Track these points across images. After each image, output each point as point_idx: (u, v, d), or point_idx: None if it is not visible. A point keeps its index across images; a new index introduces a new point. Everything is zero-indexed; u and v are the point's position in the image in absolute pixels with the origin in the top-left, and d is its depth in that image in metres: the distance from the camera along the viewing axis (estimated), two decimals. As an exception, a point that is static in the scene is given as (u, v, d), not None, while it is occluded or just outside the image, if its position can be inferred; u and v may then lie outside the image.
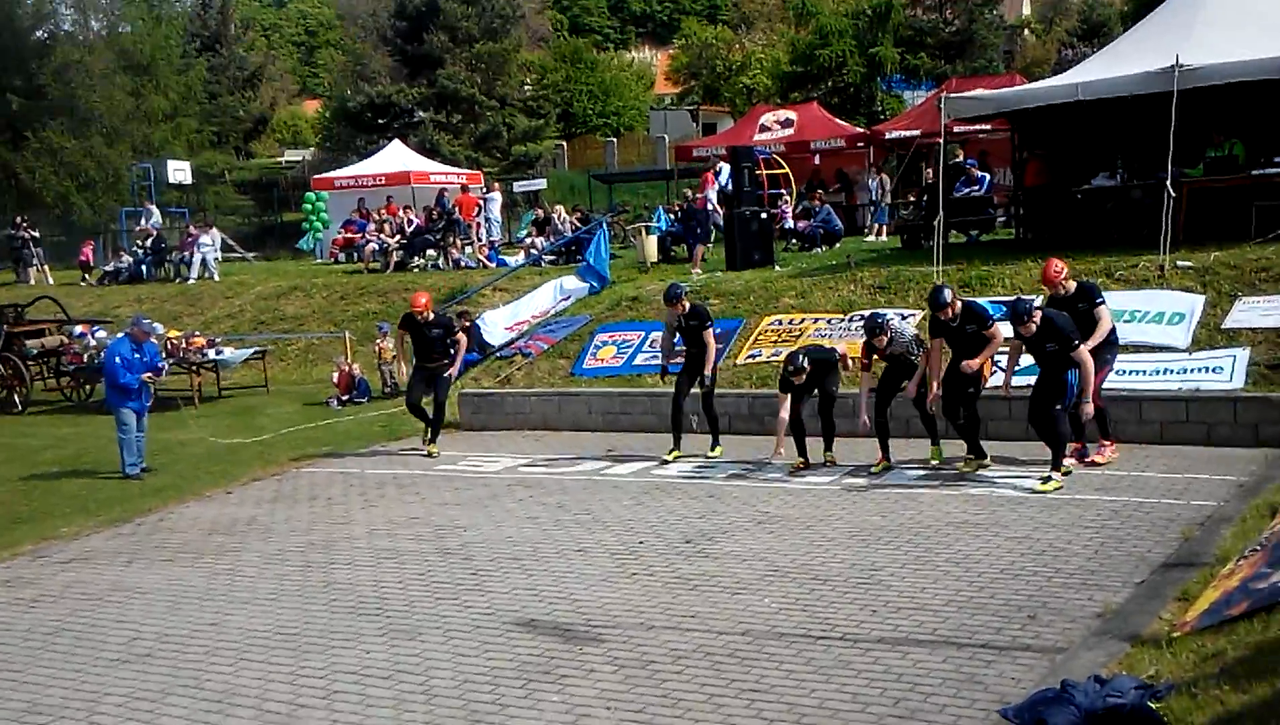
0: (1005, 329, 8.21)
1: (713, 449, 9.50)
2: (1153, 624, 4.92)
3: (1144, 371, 9.23)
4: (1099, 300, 8.19)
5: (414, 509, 8.53)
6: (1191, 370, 9.10)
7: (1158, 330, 9.65)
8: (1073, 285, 8.27)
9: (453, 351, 10.49)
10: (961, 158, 16.86)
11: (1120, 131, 12.72)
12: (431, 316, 10.31)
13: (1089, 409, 7.65)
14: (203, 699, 5.10)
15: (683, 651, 5.19)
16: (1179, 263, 10.39)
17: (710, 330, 9.42)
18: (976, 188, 15.71)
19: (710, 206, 17.29)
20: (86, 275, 23.28)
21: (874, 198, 19.77)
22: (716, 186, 17.35)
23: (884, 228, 18.81)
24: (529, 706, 4.72)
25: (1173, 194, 10.46)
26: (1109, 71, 11.64)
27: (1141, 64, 11.03)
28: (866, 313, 8.60)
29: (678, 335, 9.66)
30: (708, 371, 9.39)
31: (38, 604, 6.78)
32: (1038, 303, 8.02)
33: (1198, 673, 4.19)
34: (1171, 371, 9.17)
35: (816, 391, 8.82)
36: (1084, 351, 7.56)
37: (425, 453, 10.51)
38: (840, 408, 8.94)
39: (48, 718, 5.04)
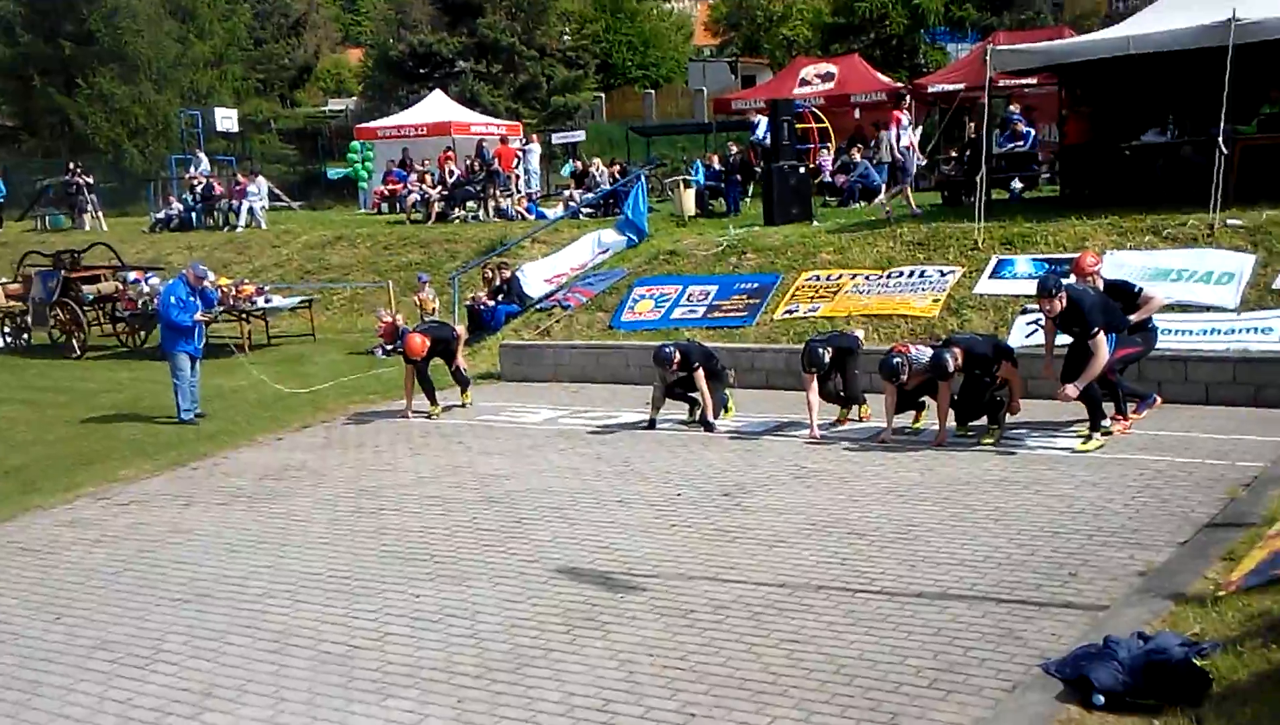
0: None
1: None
2: (1197, 583, 4.93)
3: (1191, 331, 9.12)
4: (1136, 290, 8.03)
5: (458, 458, 8.73)
6: (1240, 331, 8.98)
7: (1206, 290, 9.51)
8: (1101, 283, 7.97)
9: (453, 349, 10.48)
10: (1017, 109, 16.28)
11: (1172, 86, 12.38)
12: (429, 344, 10.05)
13: (1070, 391, 7.34)
14: (261, 638, 5.33)
15: (722, 602, 5.32)
16: (1229, 221, 10.19)
17: (700, 371, 8.90)
18: (1021, 143, 15.40)
19: (898, 147, 14.72)
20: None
21: (874, 156, 18.16)
22: (904, 125, 15.00)
23: (884, 187, 17.64)
24: (573, 651, 4.89)
25: (1225, 151, 10.22)
26: (1162, 24, 11.31)
27: (1196, 17, 10.71)
28: (881, 360, 8.24)
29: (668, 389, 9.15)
30: (710, 417, 8.98)
31: (100, 544, 7.08)
32: (1066, 281, 7.78)
33: (1243, 631, 4.22)
34: (1219, 331, 9.05)
35: (839, 377, 8.74)
36: (1101, 340, 7.31)
37: (461, 403, 10.71)
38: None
39: (117, 654, 5.30)
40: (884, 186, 15.31)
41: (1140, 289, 8.14)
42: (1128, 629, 4.34)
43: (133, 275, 16.04)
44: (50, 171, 28.87)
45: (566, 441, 9.05)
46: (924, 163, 16.05)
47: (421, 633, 5.25)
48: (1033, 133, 15.52)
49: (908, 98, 16.40)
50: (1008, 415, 8.13)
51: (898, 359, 8.04)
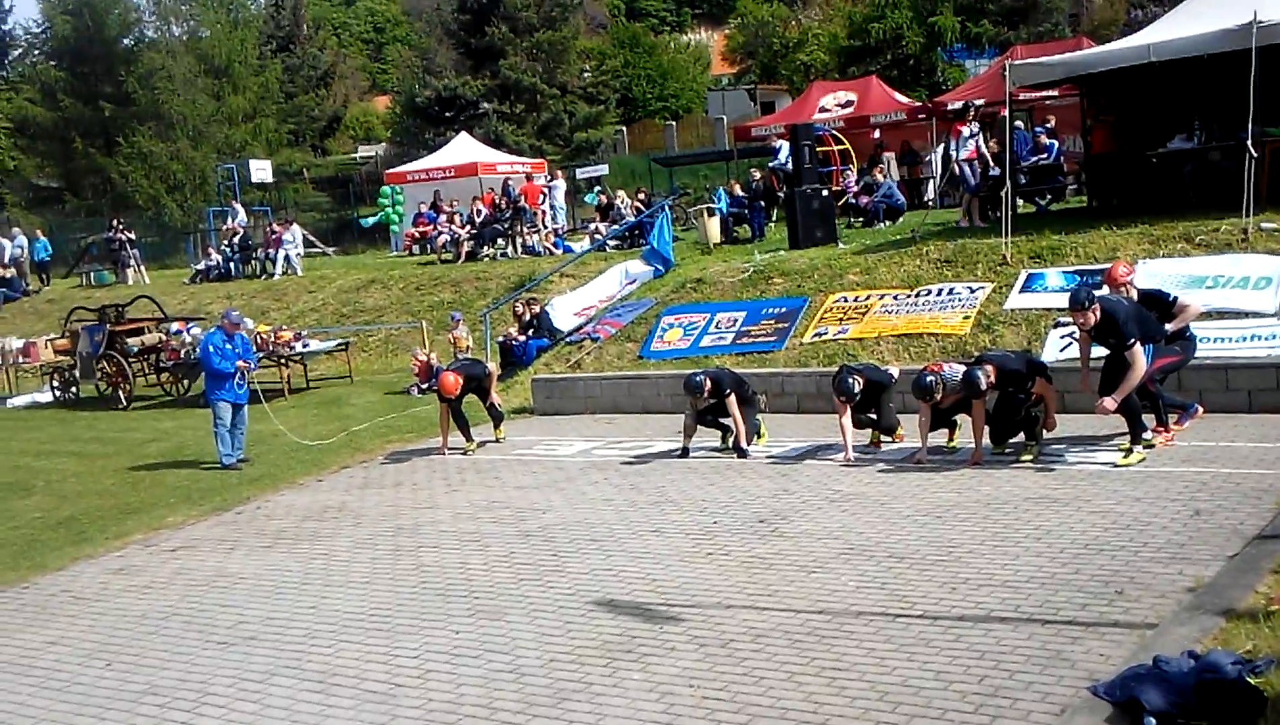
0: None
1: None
2: (1248, 598, 4.82)
3: (1230, 338, 8.97)
4: (1171, 299, 7.91)
5: (494, 493, 8.79)
6: (1281, 336, 8.82)
7: (1243, 295, 9.37)
8: (1135, 293, 7.87)
9: (486, 386, 10.63)
10: (1022, 126, 15.88)
11: (1195, 92, 12.28)
12: (462, 382, 10.16)
13: (1109, 404, 7.24)
14: (305, 679, 5.38)
15: (762, 630, 5.28)
16: (1263, 225, 10.04)
17: (732, 397, 8.90)
18: (1045, 156, 15.31)
19: (958, 159, 14.52)
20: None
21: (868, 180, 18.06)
22: (964, 137, 14.64)
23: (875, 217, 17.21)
24: (614, 684, 4.88)
25: (1254, 154, 10.10)
26: (1182, 31, 11.24)
27: (1217, 21, 10.63)
28: (914, 379, 8.20)
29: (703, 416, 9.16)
30: (744, 443, 8.98)
31: (150, 590, 7.20)
32: (1099, 293, 7.66)
33: (1298, 647, 4.12)
34: (1260, 337, 8.90)
35: (874, 414, 8.66)
36: (1137, 351, 7.20)
37: (495, 439, 10.80)
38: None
39: (165, 698, 5.38)
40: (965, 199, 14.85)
41: (1175, 298, 8.03)
42: (1178, 648, 4.25)
43: (175, 326, 16.41)
44: (93, 229, 29.72)
45: (600, 473, 9.08)
46: (995, 173, 14.86)
47: (462, 669, 5.27)
48: (1056, 144, 15.40)
49: (971, 109, 15.75)
50: (1044, 432, 8.03)
51: (931, 378, 8.00)
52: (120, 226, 25.65)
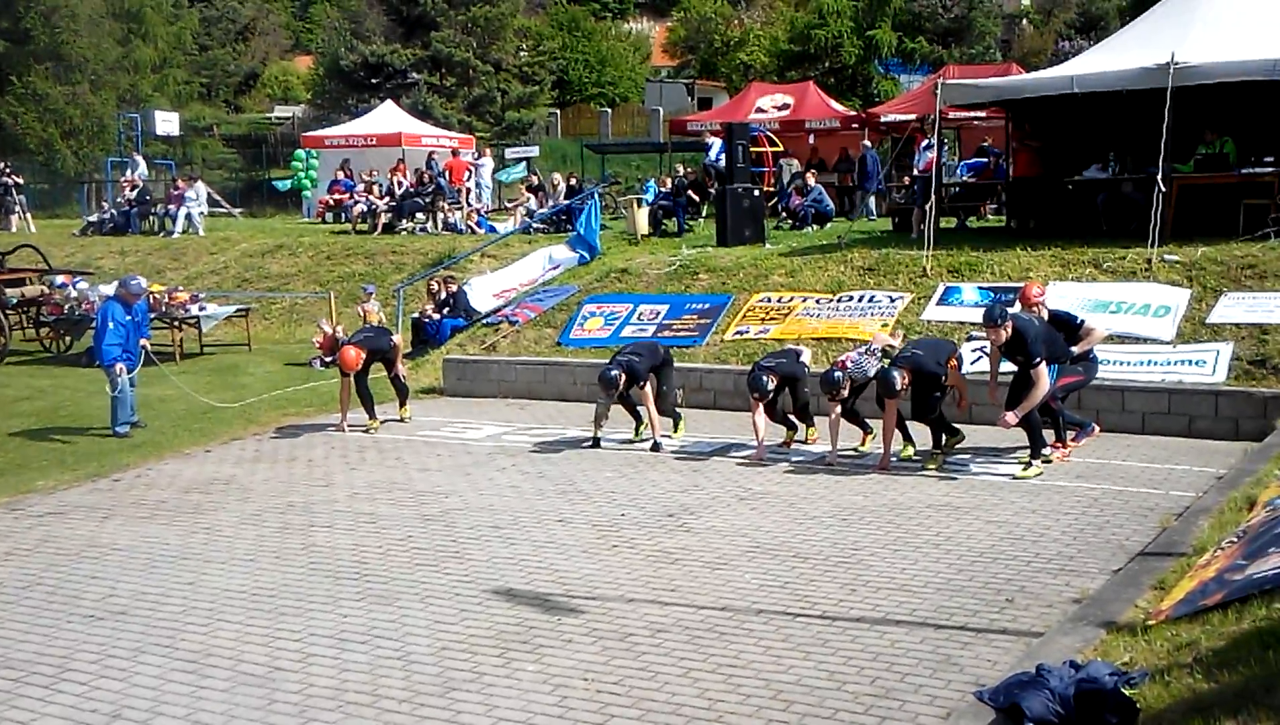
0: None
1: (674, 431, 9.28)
2: (1129, 611, 4.95)
3: (1128, 362, 9.30)
4: (1078, 322, 8.18)
5: (395, 474, 8.50)
6: (1175, 363, 9.19)
7: (1143, 322, 9.72)
8: (1046, 313, 8.12)
9: (391, 357, 10.31)
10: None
11: (1113, 125, 12.73)
12: (364, 356, 9.85)
13: (1010, 418, 7.47)
14: (177, 658, 5.07)
15: (662, 625, 5.20)
16: (1166, 257, 10.45)
17: (646, 388, 8.78)
18: (972, 176, 15.66)
19: (920, 167, 14.45)
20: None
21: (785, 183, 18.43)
22: (921, 147, 14.72)
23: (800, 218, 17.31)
24: (506, 675, 4.73)
25: (1163, 189, 10.51)
26: (1105, 65, 11.64)
27: (1137, 59, 11.04)
28: (822, 375, 8.32)
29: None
30: (656, 435, 8.88)
31: (11, 558, 6.71)
32: (1013, 311, 7.85)
33: (1171, 661, 4.22)
34: (1155, 363, 9.25)
35: (788, 391, 8.73)
36: (1042, 371, 7.41)
37: (399, 418, 10.45)
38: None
39: (19, 672, 5.00)
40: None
41: (1083, 321, 8.29)
42: (1061, 657, 4.32)
43: (60, 279, 15.46)
44: (-24, 172, 27.91)
45: (509, 459, 8.87)
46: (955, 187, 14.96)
47: (347, 654, 5.04)
48: (1004, 166, 15.59)
49: (930, 117, 15.70)
50: (955, 440, 8.18)
51: (838, 374, 8.07)
52: (6, 170, 24.14)
